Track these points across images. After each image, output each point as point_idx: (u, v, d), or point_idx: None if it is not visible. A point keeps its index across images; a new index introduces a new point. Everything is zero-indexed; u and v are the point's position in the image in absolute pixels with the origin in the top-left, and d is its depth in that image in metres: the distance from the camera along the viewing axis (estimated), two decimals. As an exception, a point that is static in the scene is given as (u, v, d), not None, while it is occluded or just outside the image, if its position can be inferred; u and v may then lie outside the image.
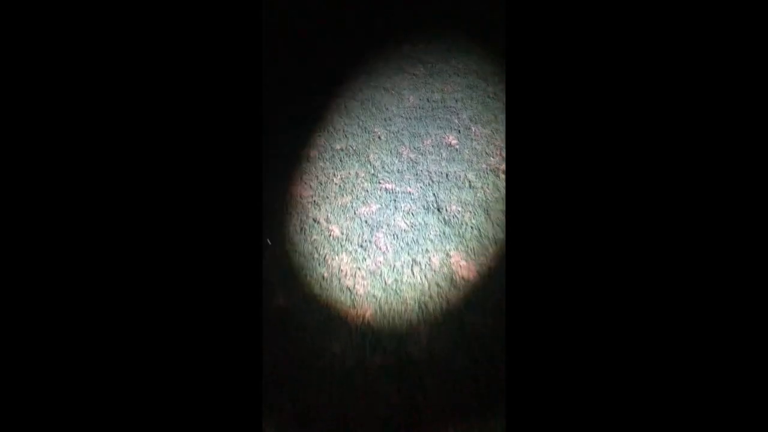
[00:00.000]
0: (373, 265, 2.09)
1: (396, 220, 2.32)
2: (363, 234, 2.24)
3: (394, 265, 2.07)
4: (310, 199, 2.46)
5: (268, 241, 1.97)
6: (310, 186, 2.54)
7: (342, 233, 2.26)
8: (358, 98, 3.27)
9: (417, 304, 1.89)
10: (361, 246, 2.18)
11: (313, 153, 2.77)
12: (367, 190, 2.48)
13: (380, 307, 1.90)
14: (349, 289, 1.97)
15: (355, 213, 2.37)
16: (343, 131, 2.95)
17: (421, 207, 2.38)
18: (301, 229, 2.30)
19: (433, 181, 2.53)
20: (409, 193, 2.46)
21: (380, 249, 2.16)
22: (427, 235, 2.20)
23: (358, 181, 2.55)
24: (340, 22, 4.15)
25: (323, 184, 2.54)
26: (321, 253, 2.17)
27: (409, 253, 2.12)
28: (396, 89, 3.37)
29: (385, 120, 3.04)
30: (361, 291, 1.96)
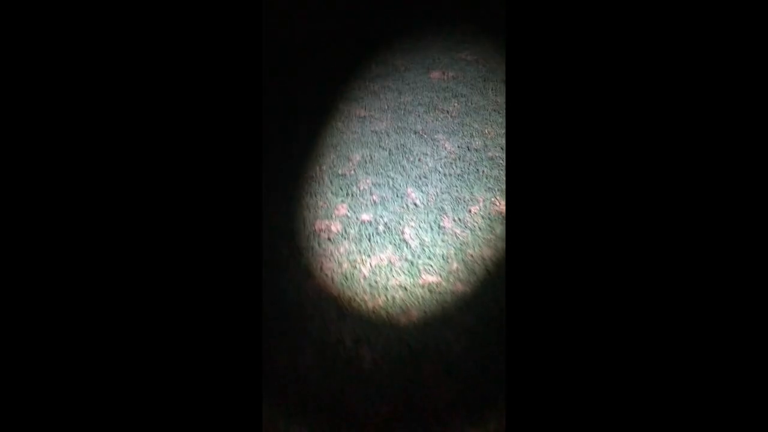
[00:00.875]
0: (420, 427, 1.42)
1: (448, 341, 1.65)
2: (405, 368, 1.58)
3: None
4: (333, 303, 1.79)
5: None
6: (333, 279, 1.87)
7: (375, 363, 1.59)
8: (385, 145, 2.59)
9: None
10: (406, 390, 1.52)
11: (336, 228, 2.10)
12: (406, 288, 1.81)
13: None
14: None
15: (391, 325, 1.70)
16: (370, 193, 2.27)
17: (479, 318, 1.71)
18: (321, 356, 1.63)
19: (489, 274, 1.86)
20: (461, 293, 1.79)
21: (429, 392, 1.49)
22: (489, 374, 1.53)
23: (393, 273, 1.87)
24: (356, 50, 3.46)
25: (349, 279, 1.87)
26: (344, 391, 1.50)
27: (468, 410, 1.45)
28: (429, 132, 2.68)
29: (419, 178, 2.36)
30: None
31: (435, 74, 3.21)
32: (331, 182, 2.34)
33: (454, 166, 2.43)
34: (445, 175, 2.38)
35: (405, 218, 2.11)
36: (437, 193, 2.27)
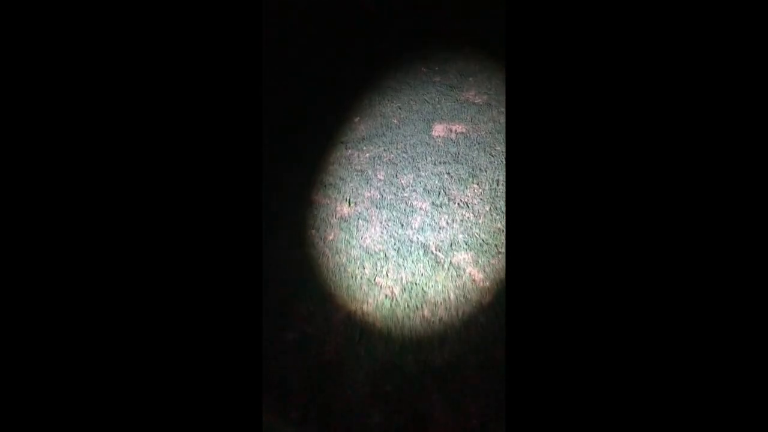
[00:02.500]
0: None
1: None
2: None
3: None
4: None
5: None
6: None
7: None
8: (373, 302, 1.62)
9: None
10: None
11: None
12: None
13: None
14: None
15: None
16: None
17: None
18: None
19: None
20: None
21: None
22: None
23: None
24: (334, 96, 2.37)
25: None
26: None
27: None
28: (444, 249, 1.71)
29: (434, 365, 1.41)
30: None
31: (438, 129, 2.20)
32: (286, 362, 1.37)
33: (482, 329, 1.48)
34: (477, 365, 1.42)
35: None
36: (465, 397, 1.33)
